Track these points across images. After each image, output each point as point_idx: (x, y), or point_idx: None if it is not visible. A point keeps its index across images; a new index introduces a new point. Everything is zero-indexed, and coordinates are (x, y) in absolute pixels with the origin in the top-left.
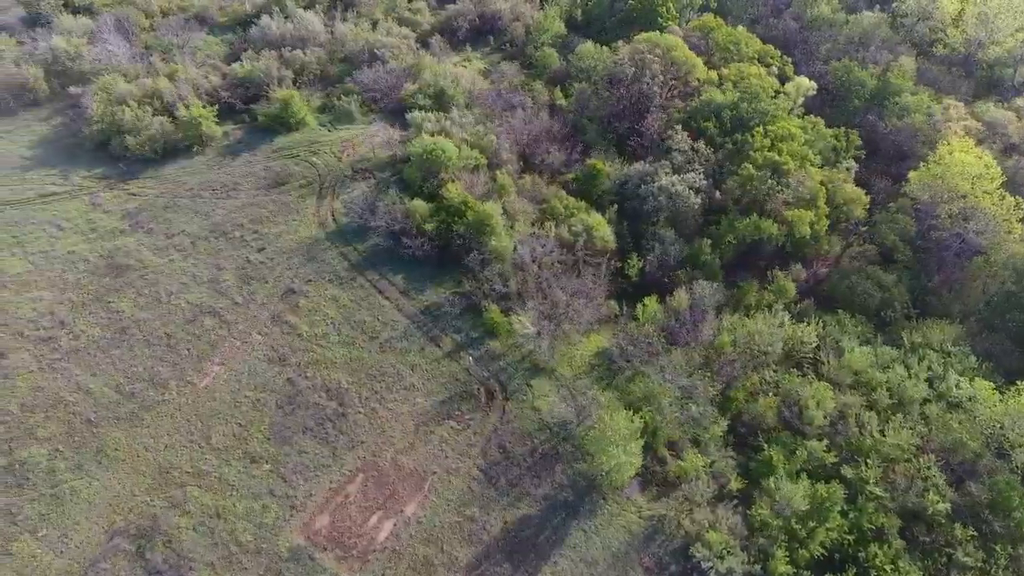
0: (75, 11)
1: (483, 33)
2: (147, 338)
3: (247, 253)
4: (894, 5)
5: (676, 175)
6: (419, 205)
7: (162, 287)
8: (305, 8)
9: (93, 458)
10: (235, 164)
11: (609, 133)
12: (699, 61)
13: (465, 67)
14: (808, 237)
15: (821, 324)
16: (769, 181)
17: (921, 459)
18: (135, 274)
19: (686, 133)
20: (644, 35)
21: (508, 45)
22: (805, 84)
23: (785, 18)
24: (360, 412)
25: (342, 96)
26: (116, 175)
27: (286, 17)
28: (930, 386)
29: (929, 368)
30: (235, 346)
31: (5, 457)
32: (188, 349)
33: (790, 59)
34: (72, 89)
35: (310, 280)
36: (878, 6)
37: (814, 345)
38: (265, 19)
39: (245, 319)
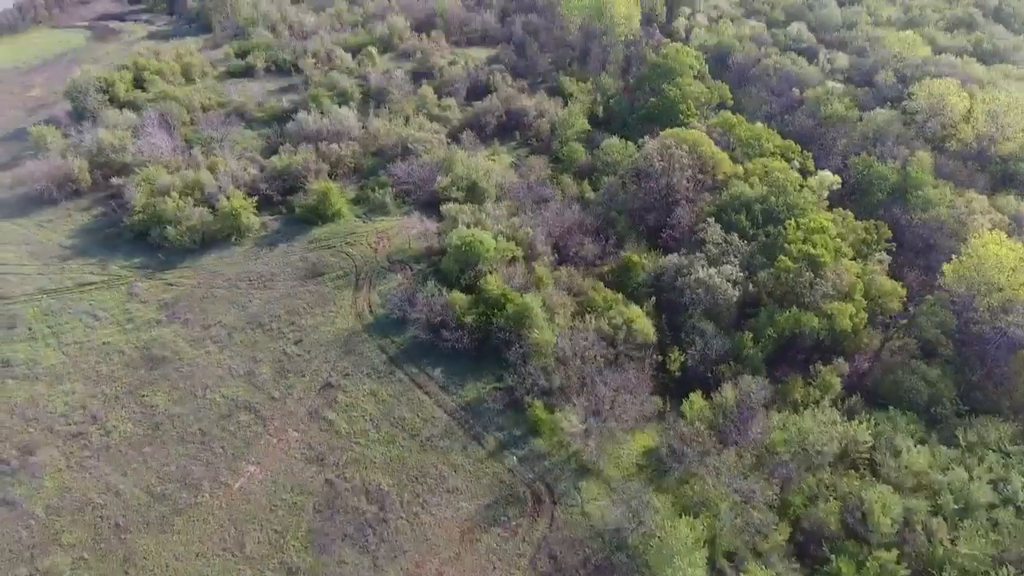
0: (120, 106)
1: (509, 129)
2: (180, 435)
3: (284, 345)
4: (904, 103)
5: (712, 267)
6: (458, 297)
7: (197, 380)
8: (340, 104)
9: (120, 568)
10: (272, 255)
11: (639, 225)
12: (725, 156)
13: (494, 161)
14: (849, 331)
15: (873, 422)
16: (807, 274)
17: (1000, 571)
18: (170, 366)
19: (719, 226)
20: (671, 131)
21: (534, 140)
22: (829, 178)
23: (799, 115)
24: (402, 517)
25: (377, 188)
26: (154, 265)
27: (322, 113)
28: (995, 489)
29: (990, 469)
30: (271, 444)
31: (26, 566)
32: (223, 447)
33: (810, 154)
34: (114, 180)
35: (348, 374)
36: (889, 104)
37: (869, 444)
38: (302, 114)
39: (282, 415)
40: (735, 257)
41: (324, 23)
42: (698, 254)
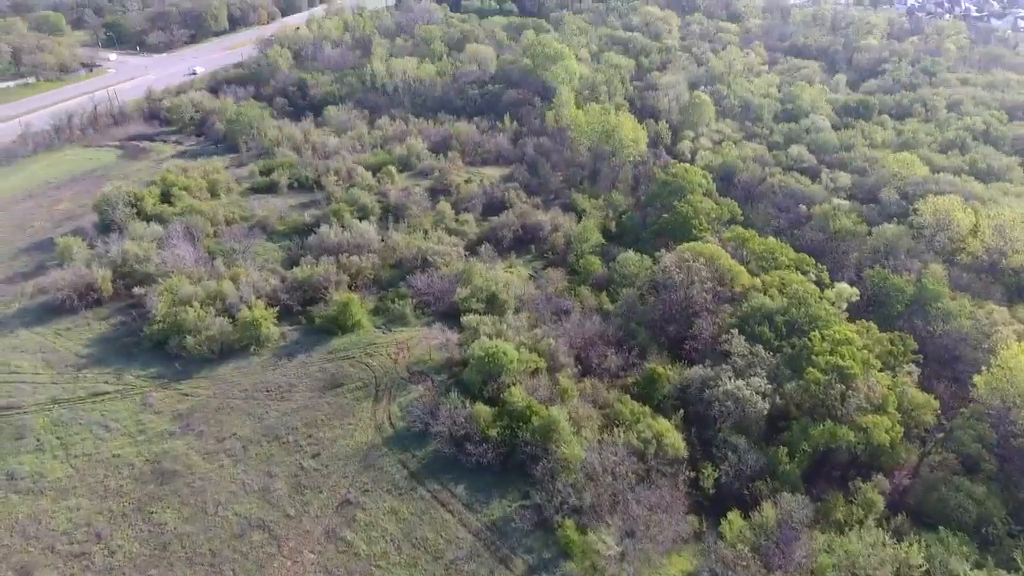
0: (147, 219)
1: (525, 242)
2: (189, 556)
3: (301, 459)
4: (910, 219)
5: (740, 379)
6: (482, 409)
7: (209, 496)
8: (360, 219)
9: None
10: (290, 365)
11: (660, 337)
12: (742, 269)
13: (511, 273)
14: (887, 445)
15: (924, 543)
16: (838, 386)
17: None
18: (181, 481)
19: (743, 337)
20: (687, 245)
21: (550, 253)
22: (847, 290)
23: (808, 230)
24: None
25: (396, 299)
26: (170, 375)
27: (343, 227)
28: None
29: None
30: (285, 567)
31: None
32: (233, 570)
33: (824, 267)
34: (136, 290)
35: (367, 490)
36: (895, 219)
37: (923, 568)
38: (324, 228)
39: (297, 534)
40: (761, 369)
41: (346, 144)
42: (724, 366)
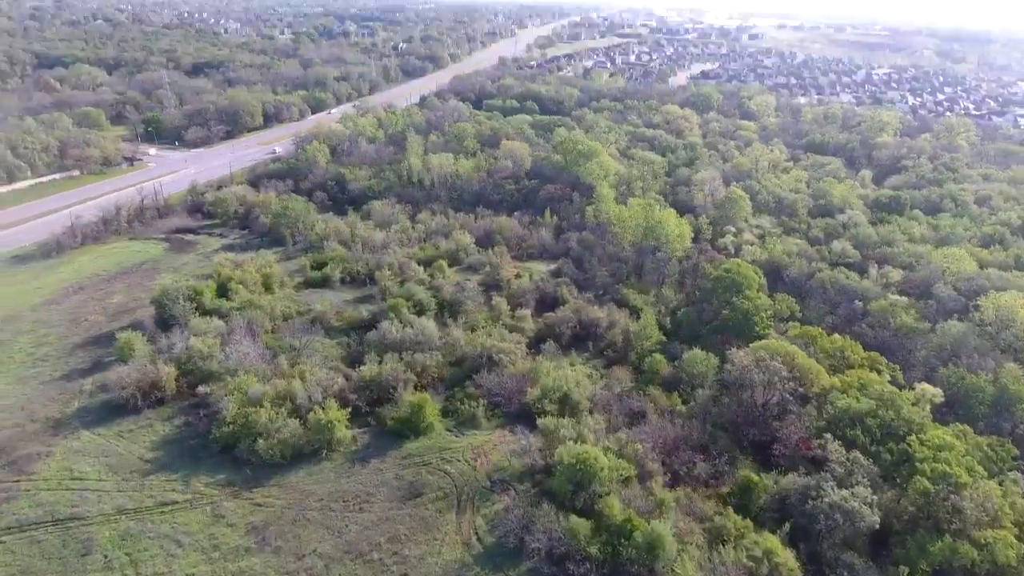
0: (205, 314)
1: (582, 339)
2: None
3: None
4: (972, 315)
5: (843, 489)
6: (580, 524)
7: None
8: (417, 314)
9: None
10: (365, 472)
11: (742, 441)
12: (822, 368)
13: (573, 371)
14: (1013, 563)
15: None
16: (951, 496)
17: None
18: None
19: (838, 442)
20: (761, 343)
21: (609, 350)
22: (930, 391)
23: (865, 327)
24: None
25: (466, 400)
26: (240, 482)
27: (403, 323)
28: None
29: None
30: None
31: None
32: None
33: (897, 366)
34: (200, 388)
35: None
36: (956, 316)
37: None
38: (385, 324)
39: None
40: (863, 477)
41: (393, 239)
42: (823, 473)
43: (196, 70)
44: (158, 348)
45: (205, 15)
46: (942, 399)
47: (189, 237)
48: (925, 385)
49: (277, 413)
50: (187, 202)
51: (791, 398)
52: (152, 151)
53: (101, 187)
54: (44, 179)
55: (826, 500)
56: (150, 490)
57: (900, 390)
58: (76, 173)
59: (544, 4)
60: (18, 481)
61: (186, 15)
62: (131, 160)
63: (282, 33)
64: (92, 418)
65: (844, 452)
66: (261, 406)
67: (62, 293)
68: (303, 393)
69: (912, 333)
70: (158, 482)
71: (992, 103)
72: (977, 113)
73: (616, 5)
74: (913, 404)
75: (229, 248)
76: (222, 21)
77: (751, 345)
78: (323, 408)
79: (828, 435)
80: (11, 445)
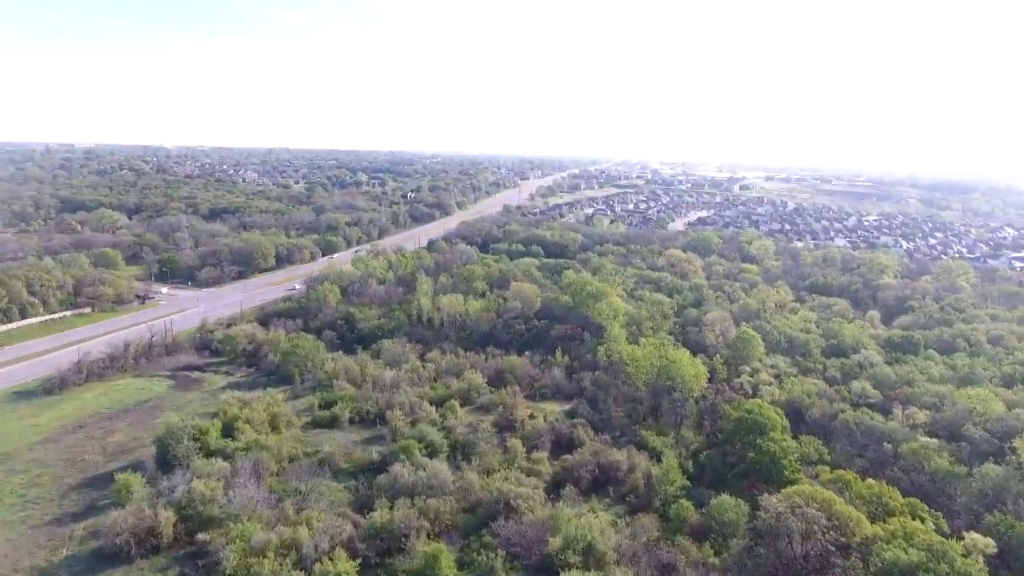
0: (208, 455)
1: (602, 483)
2: None
3: None
4: (1008, 457)
5: None
6: None
7: None
8: (428, 456)
9: None
10: None
11: None
12: (862, 516)
13: (596, 519)
14: None
15: None
16: None
17: None
18: None
19: None
20: (794, 489)
21: (631, 496)
22: (981, 541)
23: (896, 470)
24: None
25: (482, 550)
26: None
27: (415, 465)
28: None
29: None
30: None
31: None
32: None
33: (940, 513)
34: (200, 536)
35: None
36: (991, 458)
37: None
38: (397, 467)
39: None
40: None
41: (403, 378)
42: None
43: (213, 215)
44: (158, 491)
45: (225, 167)
46: (995, 549)
47: (195, 375)
48: (974, 534)
49: (281, 565)
50: (195, 340)
51: (833, 549)
52: (164, 290)
53: (112, 324)
54: (55, 316)
55: None
56: None
57: (947, 539)
58: (87, 310)
59: (544, 157)
60: None
61: (207, 166)
62: (143, 298)
63: (296, 183)
64: (80, 568)
65: None
66: (264, 556)
67: (61, 431)
68: (309, 542)
69: (949, 477)
70: None
71: (984, 247)
72: (971, 256)
73: (612, 159)
74: (964, 556)
75: (236, 386)
76: (240, 171)
77: (783, 491)
78: (331, 559)
79: None
80: None
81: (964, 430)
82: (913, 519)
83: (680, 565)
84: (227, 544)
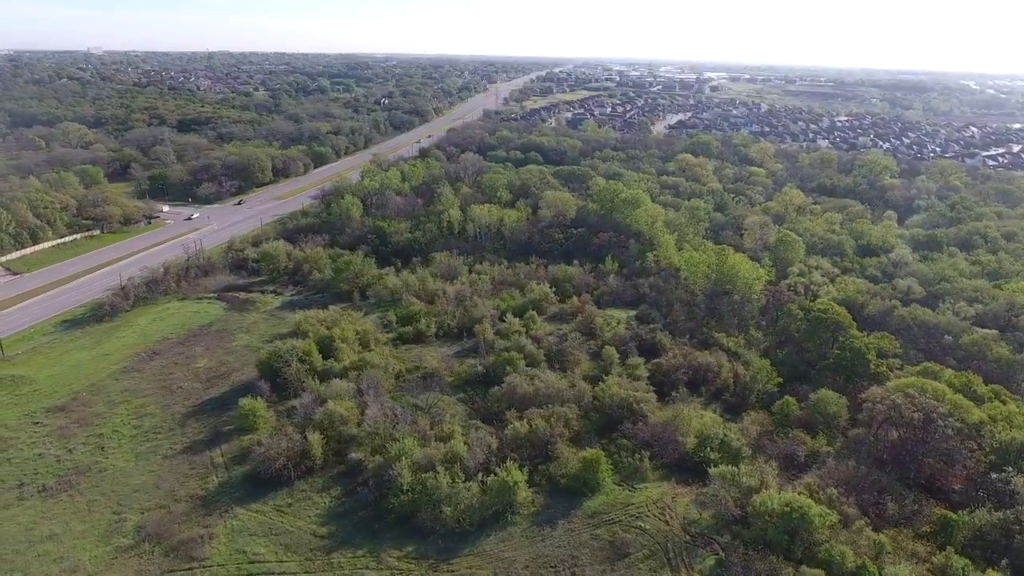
0: (316, 376)
1: (695, 384)
2: None
3: None
4: None
5: None
6: (813, 574)
7: None
8: (527, 366)
9: None
10: (557, 534)
11: (906, 478)
12: (970, 403)
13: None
14: None
15: None
16: None
17: None
18: None
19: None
20: (905, 381)
21: (724, 393)
22: None
23: (955, 360)
24: None
25: (622, 452)
26: (433, 553)
27: (530, 377)
28: None
29: None
30: None
31: None
32: None
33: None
34: (352, 455)
35: None
36: None
37: None
38: (512, 378)
39: None
40: None
41: (467, 291)
42: (1019, 508)
43: (183, 127)
44: (287, 412)
45: (173, 74)
46: None
47: (242, 295)
48: None
49: (455, 478)
50: (228, 258)
51: (953, 434)
52: (165, 208)
53: (130, 245)
54: (66, 239)
55: None
56: (341, 569)
57: None
58: (96, 232)
59: (503, 57)
60: (191, 569)
61: (152, 72)
62: (149, 218)
63: (256, 90)
64: (240, 493)
65: None
66: (435, 471)
67: (136, 359)
68: (467, 456)
69: (1013, 364)
70: (346, 559)
71: (955, 146)
72: (948, 156)
73: (573, 59)
74: None
75: (291, 305)
76: (192, 79)
77: (891, 383)
78: (505, 469)
79: (1010, 468)
80: (166, 529)
81: (1015, 321)
82: (1001, 403)
83: (800, 454)
84: (394, 462)
